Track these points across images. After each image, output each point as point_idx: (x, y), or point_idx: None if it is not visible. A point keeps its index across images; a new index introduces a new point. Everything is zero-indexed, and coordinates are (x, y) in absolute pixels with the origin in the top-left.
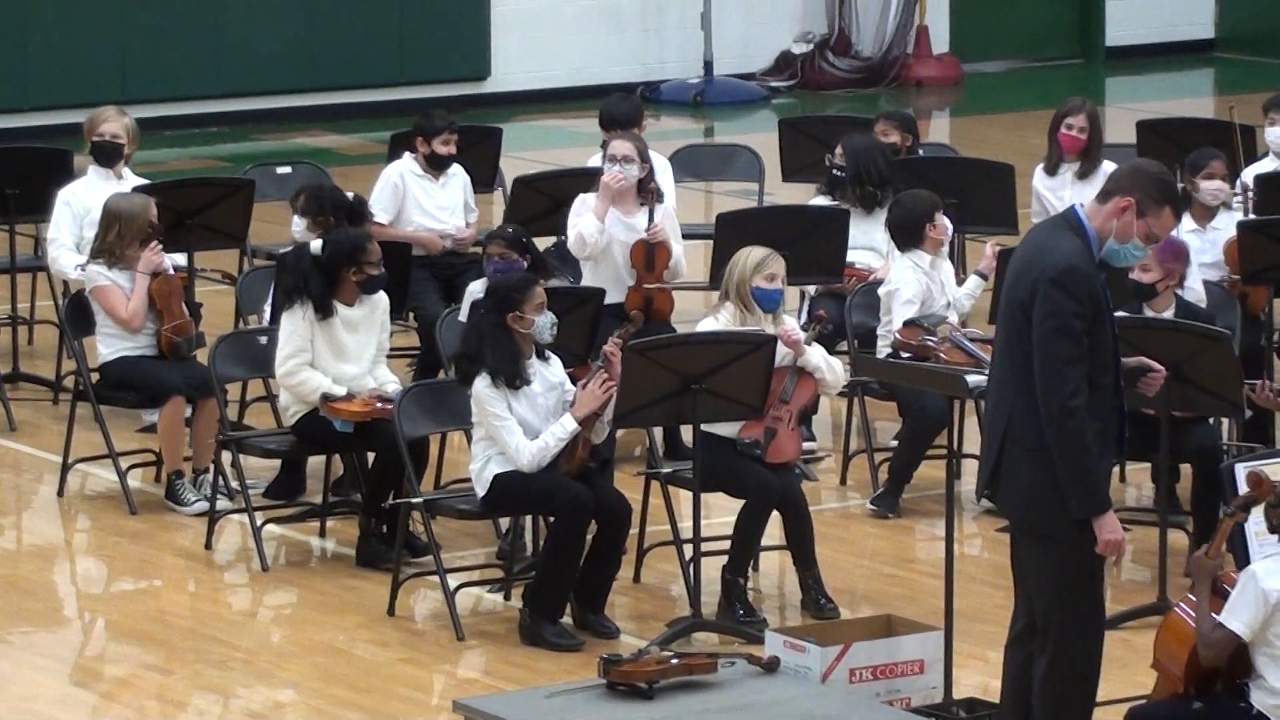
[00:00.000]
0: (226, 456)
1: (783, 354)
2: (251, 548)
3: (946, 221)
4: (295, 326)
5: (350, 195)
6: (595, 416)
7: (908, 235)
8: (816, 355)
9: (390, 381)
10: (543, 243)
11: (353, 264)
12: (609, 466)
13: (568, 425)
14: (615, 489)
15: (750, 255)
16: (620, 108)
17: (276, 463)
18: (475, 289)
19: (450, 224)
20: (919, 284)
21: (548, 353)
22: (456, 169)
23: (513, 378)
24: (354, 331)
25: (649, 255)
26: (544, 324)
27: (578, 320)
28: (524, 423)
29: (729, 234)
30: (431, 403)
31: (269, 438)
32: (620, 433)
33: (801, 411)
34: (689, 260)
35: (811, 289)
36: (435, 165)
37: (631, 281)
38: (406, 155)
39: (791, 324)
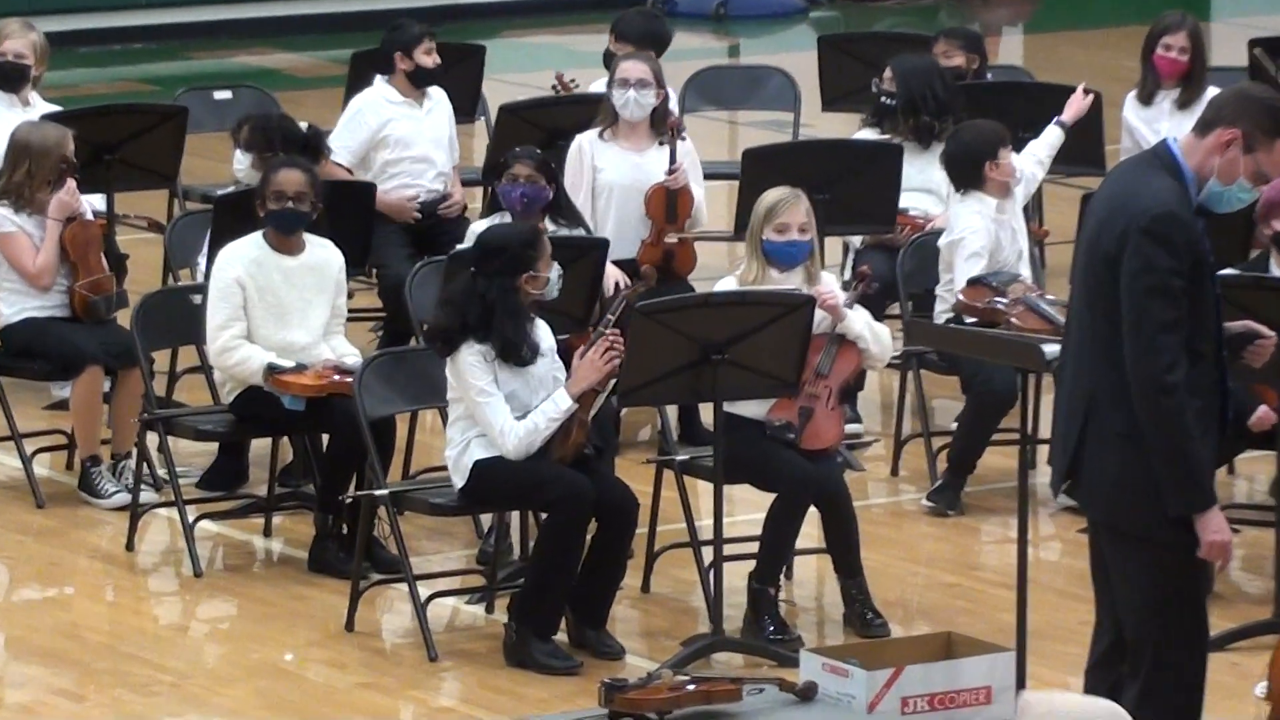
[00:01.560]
0: (152, 439)
1: (820, 319)
2: (182, 548)
3: (1014, 158)
4: (224, 287)
5: (304, 126)
6: (595, 393)
7: (966, 175)
8: (860, 320)
9: (349, 354)
10: None
11: (255, 195)
12: (611, 452)
13: (561, 403)
14: (619, 480)
15: (763, 200)
16: (644, 25)
17: (213, 447)
18: (477, 230)
19: (437, 169)
20: (986, 233)
21: (533, 313)
22: (440, 96)
23: (521, 352)
24: (297, 288)
25: (669, 202)
26: (553, 279)
27: (576, 277)
28: (513, 398)
29: (757, 174)
30: (399, 375)
31: (203, 417)
32: (625, 412)
33: (843, 388)
34: (709, 206)
35: (856, 240)
36: (420, 82)
37: (646, 232)
38: (378, 81)
39: (830, 283)
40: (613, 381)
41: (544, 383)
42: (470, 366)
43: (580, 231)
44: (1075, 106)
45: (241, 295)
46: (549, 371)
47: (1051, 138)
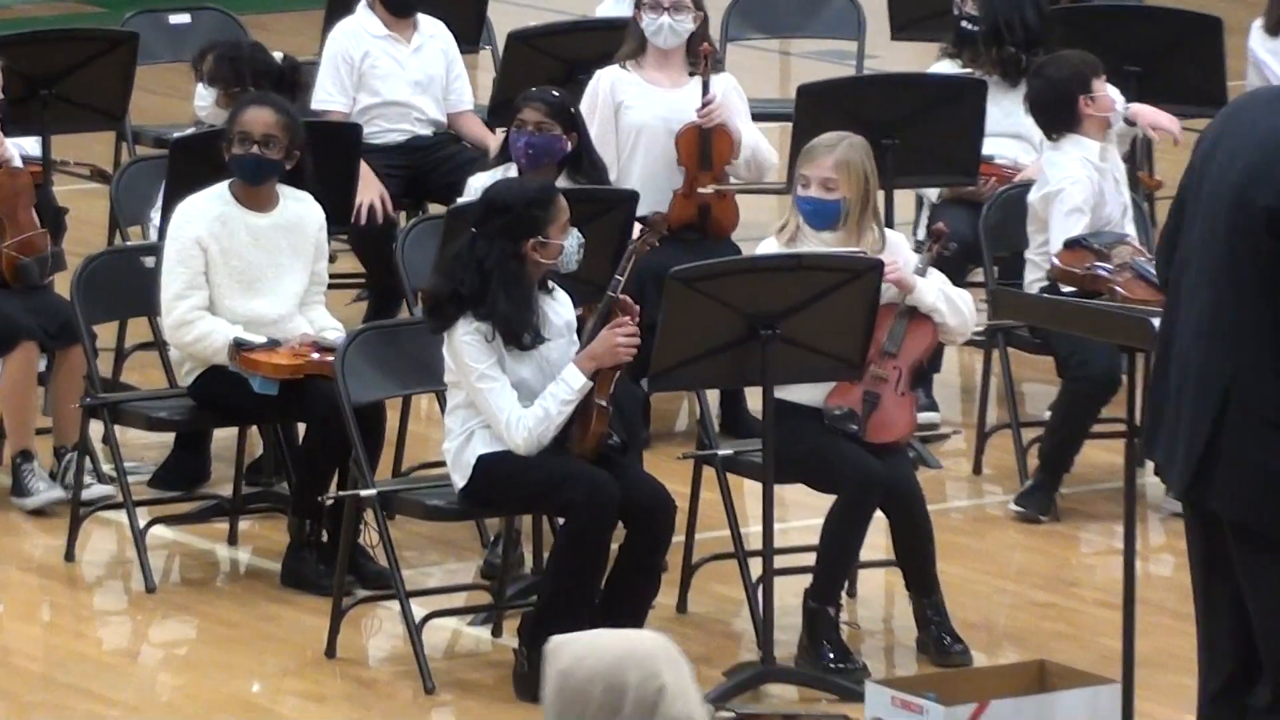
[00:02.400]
0: (96, 429)
1: (887, 286)
2: (132, 559)
3: (1112, 91)
4: (182, 249)
5: (279, 57)
6: (613, 370)
7: (1056, 116)
8: (933, 289)
9: (331, 327)
10: None
11: (220, 138)
12: (640, 445)
13: (574, 382)
14: (650, 478)
15: (806, 149)
16: None
17: (168, 439)
18: (476, 183)
19: (421, 117)
20: (1089, 184)
21: (551, 282)
22: (436, 30)
23: (524, 332)
24: (268, 250)
25: (703, 145)
26: (570, 248)
27: (600, 237)
28: (523, 386)
29: (813, 115)
30: (389, 353)
31: (157, 403)
32: (657, 399)
33: (916, 369)
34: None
35: (932, 193)
36: (401, 9)
37: (679, 183)
38: (361, 7)
39: (899, 246)
40: (630, 356)
41: (561, 367)
42: (466, 346)
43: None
44: (1157, 120)
45: (203, 258)
46: (568, 354)
47: (1116, 127)
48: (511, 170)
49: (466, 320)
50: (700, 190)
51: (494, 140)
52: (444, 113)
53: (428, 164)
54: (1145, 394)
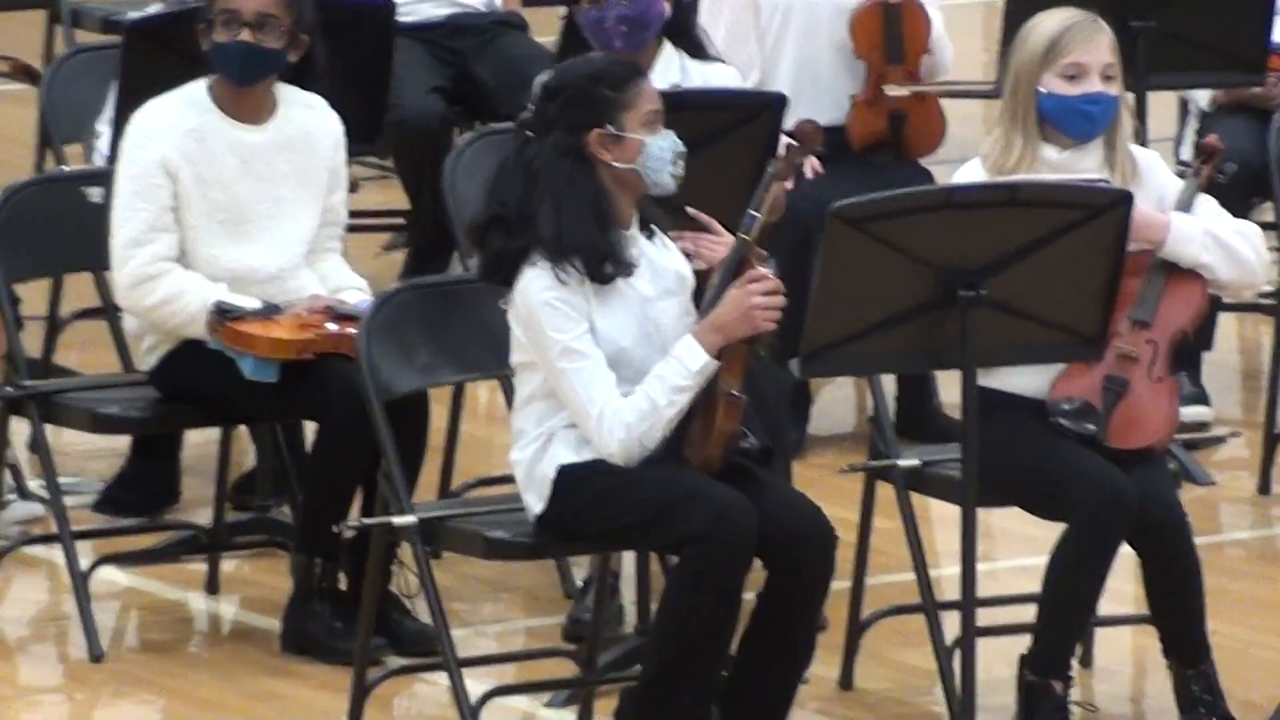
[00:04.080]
0: (20, 431)
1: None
2: (70, 614)
3: None
4: (141, 175)
5: None
6: (745, 347)
7: None
8: (1196, 232)
9: (352, 286)
10: None
11: (203, 16)
12: (787, 452)
13: (691, 361)
14: (802, 498)
15: (1037, 29)
16: None
17: (121, 443)
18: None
19: None
20: None
21: (654, 225)
22: None
23: (604, 259)
24: (263, 177)
25: (890, 28)
26: (661, 153)
27: (730, 160)
28: (617, 356)
29: None
30: (434, 324)
31: (106, 393)
32: (813, 388)
33: (1178, 345)
34: (955, 43)
35: (1202, 97)
36: None
37: (857, 84)
38: None
39: (1154, 166)
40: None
41: (672, 336)
42: (544, 304)
43: (725, 81)
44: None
45: (170, 188)
46: (683, 321)
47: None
48: None
49: (538, 265)
50: (890, 92)
51: None
52: None
53: (478, 56)
54: None
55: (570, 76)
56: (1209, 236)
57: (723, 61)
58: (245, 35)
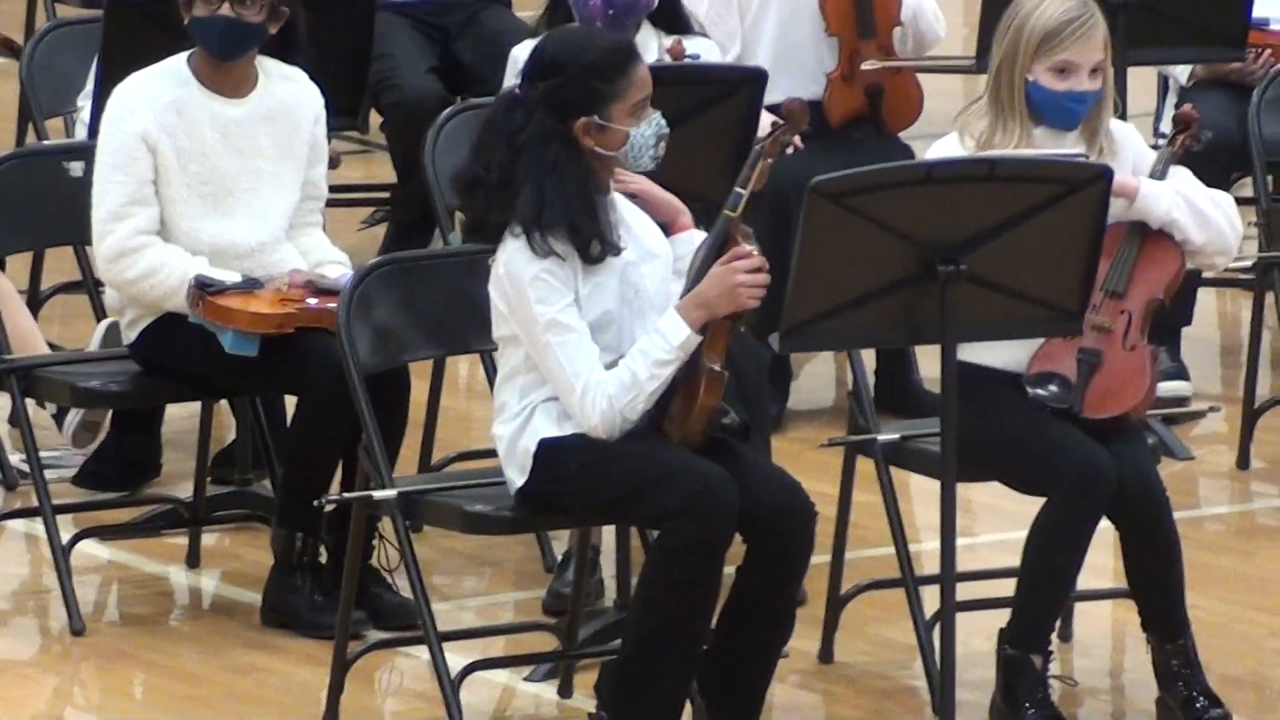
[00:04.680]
0: (1, 404)
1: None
2: (51, 588)
3: None
4: (122, 149)
5: None
6: (729, 322)
7: None
8: (1167, 195)
9: (332, 259)
10: None
11: None
12: (766, 427)
13: (674, 335)
14: (781, 473)
15: (1036, 15)
16: None
17: (100, 420)
18: (523, 54)
19: None
20: None
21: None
22: None
23: (591, 240)
24: (244, 151)
25: (860, 4)
26: (644, 141)
27: (710, 136)
28: (600, 320)
29: None
30: (415, 298)
31: (87, 367)
32: (793, 363)
33: (1153, 313)
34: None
35: (1182, 72)
36: None
37: (833, 61)
38: None
39: (1129, 137)
40: (755, 301)
41: (653, 299)
42: (529, 278)
43: (709, 56)
44: None
45: (150, 161)
46: (662, 284)
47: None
48: None
49: (519, 238)
50: (864, 67)
51: None
52: None
53: (461, 33)
54: None
55: (564, 58)
56: (1179, 196)
57: (705, 36)
58: (225, 9)
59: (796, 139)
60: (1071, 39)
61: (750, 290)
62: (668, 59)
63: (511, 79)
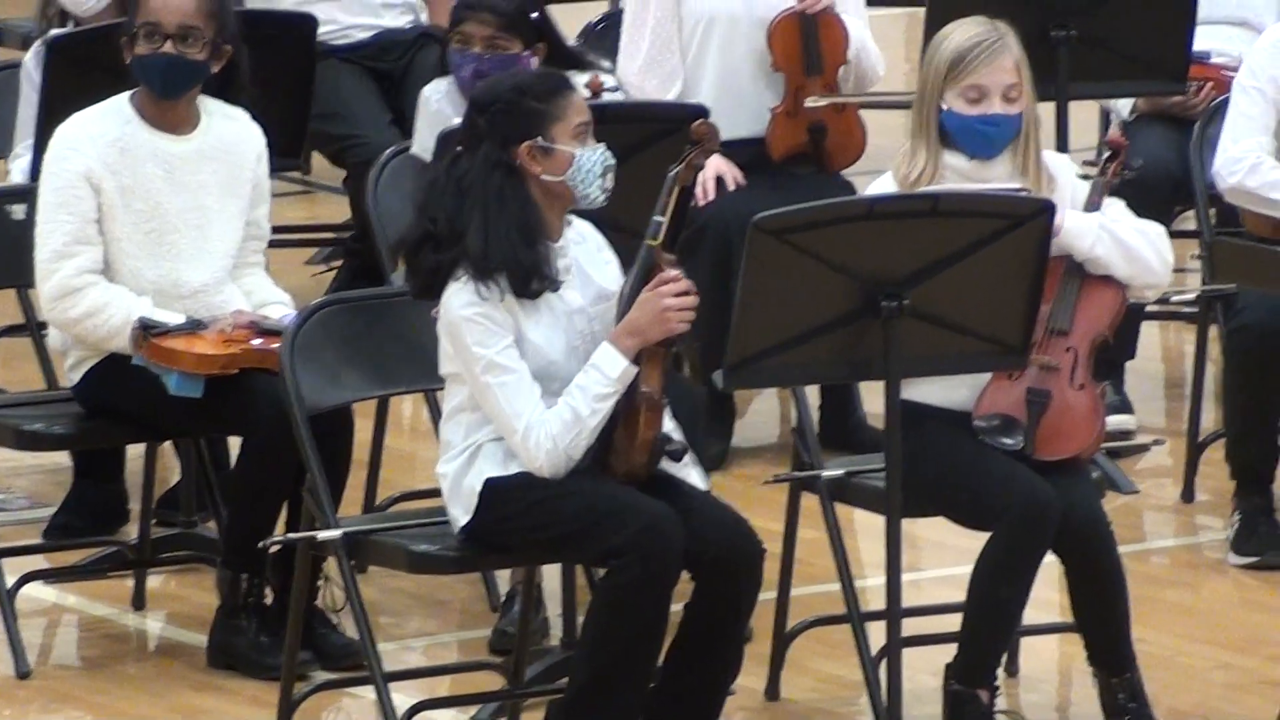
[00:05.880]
0: None
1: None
2: None
3: None
4: (65, 188)
5: None
6: (662, 350)
7: None
8: (1090, 228)
9: (276, 300)
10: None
11: (130, 29)
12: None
13: (610, 368)
14: (728, 510)
15: (943, 44)
16: None
17: (43, 460)
18: (435, 94)
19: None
20: None
21: (582, 230)
22: None
23: (529, 275)
24: (187, 188)
25: (807, 40)
26: (590, 166)
27: (654, 170)
28: (545, 369)
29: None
30: (359, 338)
31: (30, 410)
32: (738, 400)
33: (1098, 350)
34: (883, 50)
35: (1123, 105)
36: None
37: (776, 97)
38: None
39: (1061, 169)
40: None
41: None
42: (469, 320)
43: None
44: None
45: (94, 200)
46: (606, 323)
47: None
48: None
49: (463, 281)
50: (809, 104)
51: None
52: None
53: (402, 77)
54: None
55: (498, 90)
56: (1104, 231)
57: (598, 68)
58: (168, 47)
59: (737, 174)
60: (978, 62)
61: (680, 314)
62: (588, 93)
63: (423, 120)
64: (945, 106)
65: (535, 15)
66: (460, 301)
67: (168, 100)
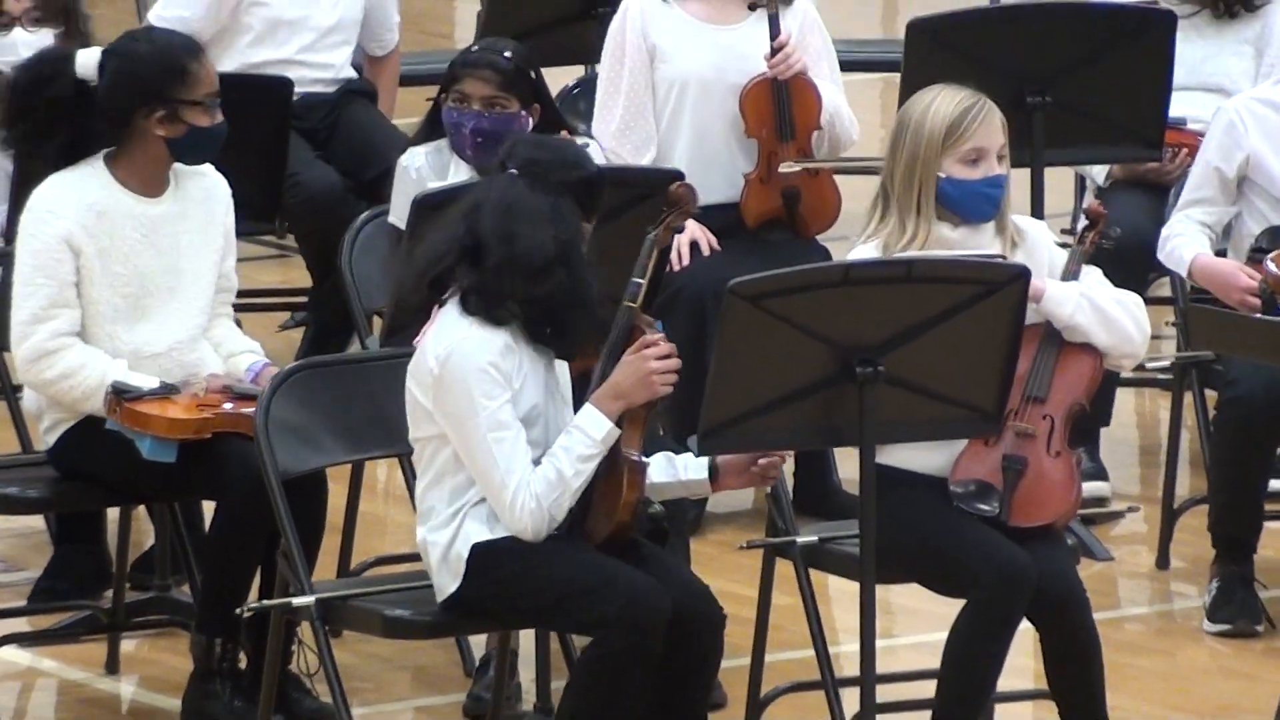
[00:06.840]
0: None
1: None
2: None
3: None
4: (43, 250)
5: None
6: (643, 412)
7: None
8: (1071, 296)
9: (245, 349)
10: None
11: (157, 98)
12: (680, 530)
13: (594, 430)
14: (690, 577)
15: (935, 111)
16: None
17: (16, 526)
18: (413, 163)
19: (333, 43)
20: None
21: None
22: None
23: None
24: (164, 250)
25: (780, 105)
26: None
27: (630, 234)
28: (529, 413)
29: (927, 61)
30: (331, 402)
31: (4, 473)
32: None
33: (1074, 418)
34: (858, 115)
35: (1099, 172)
36: None
37: (750, 163)
38: None
39: (1038, 236)
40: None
41: (566, 389)
42: (481, 372)
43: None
44: None
45: (73, 264)
46: (566, 372)
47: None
48: (444, 147)
49: (474, 328)
50: (782, 169)
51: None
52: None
53: (329, 136)
54: None
55: (567, 162)
56: (1084, 299)
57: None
58: (219, 116)
59: (711, 240)
60: (975, 124)
61: (663, 376)
62: None
63: (399, 190)
64: (944, 175)
65: (534, 75)
66: (472, 346)
67: (161, 166)
